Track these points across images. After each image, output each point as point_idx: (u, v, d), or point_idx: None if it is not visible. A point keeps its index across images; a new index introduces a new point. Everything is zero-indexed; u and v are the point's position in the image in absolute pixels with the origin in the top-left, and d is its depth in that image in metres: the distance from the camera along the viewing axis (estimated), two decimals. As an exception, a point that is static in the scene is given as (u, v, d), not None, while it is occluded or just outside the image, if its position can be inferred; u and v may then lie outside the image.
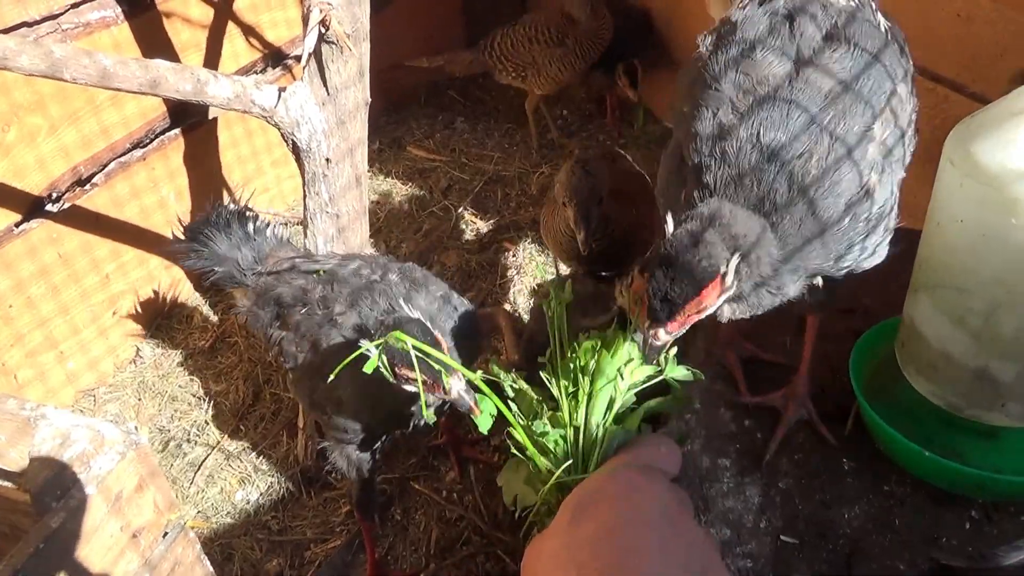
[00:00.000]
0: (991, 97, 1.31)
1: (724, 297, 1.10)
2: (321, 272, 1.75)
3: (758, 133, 1.12)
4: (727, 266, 1.05)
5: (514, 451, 1.10)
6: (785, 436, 1.42)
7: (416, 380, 1.28)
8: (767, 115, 1.13)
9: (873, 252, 1.23)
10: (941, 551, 1.20)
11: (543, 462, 1.04)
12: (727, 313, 1.19)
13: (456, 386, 1.30)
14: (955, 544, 1.21)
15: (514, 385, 1.14)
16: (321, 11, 1.70)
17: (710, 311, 1.11)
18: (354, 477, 1.75)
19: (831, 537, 1.26)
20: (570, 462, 1.03)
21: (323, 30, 1.74)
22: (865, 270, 1.28)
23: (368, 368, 1.22)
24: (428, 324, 1.38)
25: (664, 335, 1.09)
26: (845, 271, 1.24)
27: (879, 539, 1.24)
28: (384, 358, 1.29)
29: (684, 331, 1.12)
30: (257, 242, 1.89)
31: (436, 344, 1.34)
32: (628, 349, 1.11)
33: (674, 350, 1.13)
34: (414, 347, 1.22)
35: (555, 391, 1.11)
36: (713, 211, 1.10)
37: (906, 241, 1.37)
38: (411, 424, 1.64)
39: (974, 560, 1.18)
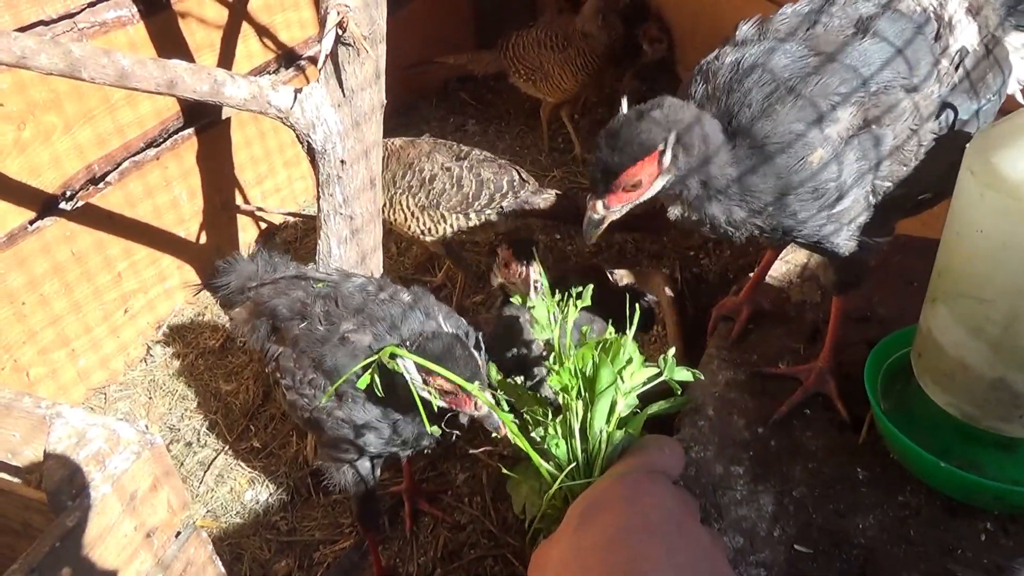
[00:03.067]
0: (1009, 108, 1.31)
1: (662, 181, 1.19)
2: (323, 284, 1.71)
3: (742, 57, 1.22)
4: (665, 144, 1.14)
5: (508, 470, 1.11)
6: (799, 442, 1.42)
7: (451, 393, 1.31)
8: (752, 51, 1.22)
9: (821, 236, 1.29)
10: (957, 563, 1.20)
11: (546, 468, 1.04)
12: (676, 213, 1.27)
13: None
14: (971, 556, 1.21)
15: (509, 398, 1.14)
16: (339, 13, 1.70)
17: (647, 195, 1.20)
18: (353, 493, 1.73)
19: (845, 547, 1.25)
20: (573, 466, 1.03)
21: (340, 32, 1.74)
22: (831, 252, 1.34)
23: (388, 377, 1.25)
24: (466, 340, 1.39)
25: (602, 208, 1.20)
26: (794, 235, 1.29)
27: (894, 550, 1.23)
28: (412, 369, 1.32)
29: (623, 211, 1.22)
30: (269, 260, 1.90)
31: (476, 362, 1.35)
32: (628, 352, 1.12)
33: (672, 351, 1.13)
34: (429, 367, 1.22)
35: (559, 396, 1.11)
36: (663, 99, 1.19)
37: (921, 250, 1.37)
38: (418, 444, 1.62)
39: (990, 572, 1.18)
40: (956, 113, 1.27)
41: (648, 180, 1.18)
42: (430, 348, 1.36)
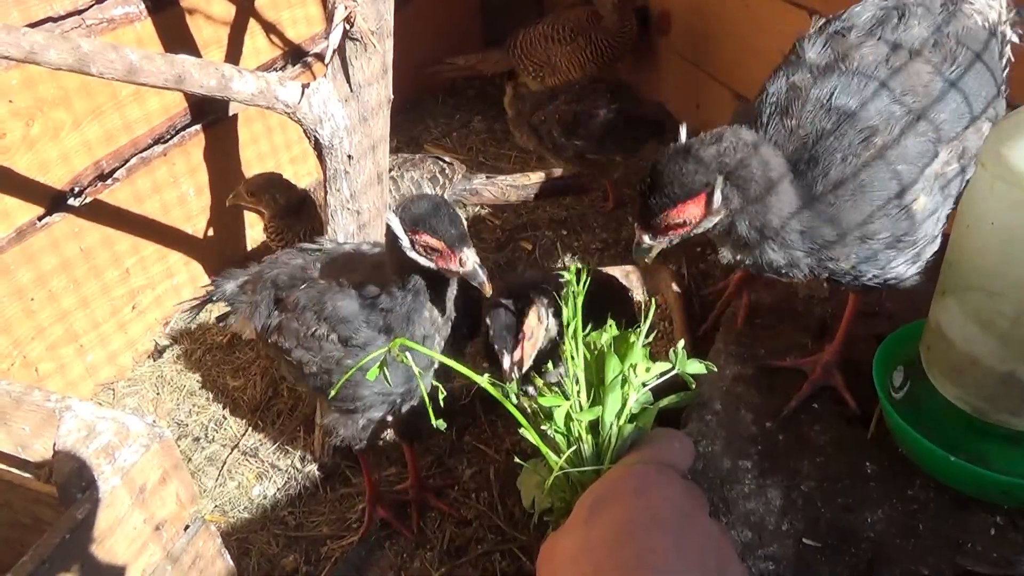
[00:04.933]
0: (1020, 101, 1.30)
1: (713, 220, 1.11)
2: (319, 251, 1.76)
3: (831, 95, 1.13)
4: (711, 187, 1.07)
5: (520, 459, 1.11)
6: (807, 437, 1.42)
7: (436, 250, 1.33)
8: (843, 83, 1.13)
9: (898, 276, 1.25)
10: (966, 557, 1.19)
11: (555, 460, 1.04)
12: (727, 255, 1.21)
13: (471, 258, 1.33)
14: (980, 550, 1.20)
15: (518, 391, 1.14)
16: (346, 8, 1.70)
17: (698, 230, 1.13)
18: (359, 444, 1.79)
19: (853, 541, 1.25)
20: (574, 449, 1.04)
21: (347, 27, 1.74)
22: (891, 286, 1.30)
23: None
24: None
25: (648, 239, 1.14)
26: (865, 279, 1.25)
27: (902, 544, 1.23)
28: (399, 230, 1.35)
29: (671, 242, 1.15)
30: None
31: (456, 217, 1.36)
32: (638, 347, 1.12)
33: (681, 343, 1.13)
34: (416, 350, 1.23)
35: (568, 389, 1.11)
36: (724, 131, 1.11)
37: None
38: (412, 398, 1.67)
39: (999, 566, 1.17)
40: None
41: (694, 220, 1.11)
42: (414, 208, 1.36)
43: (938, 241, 1.25)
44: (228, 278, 1.97)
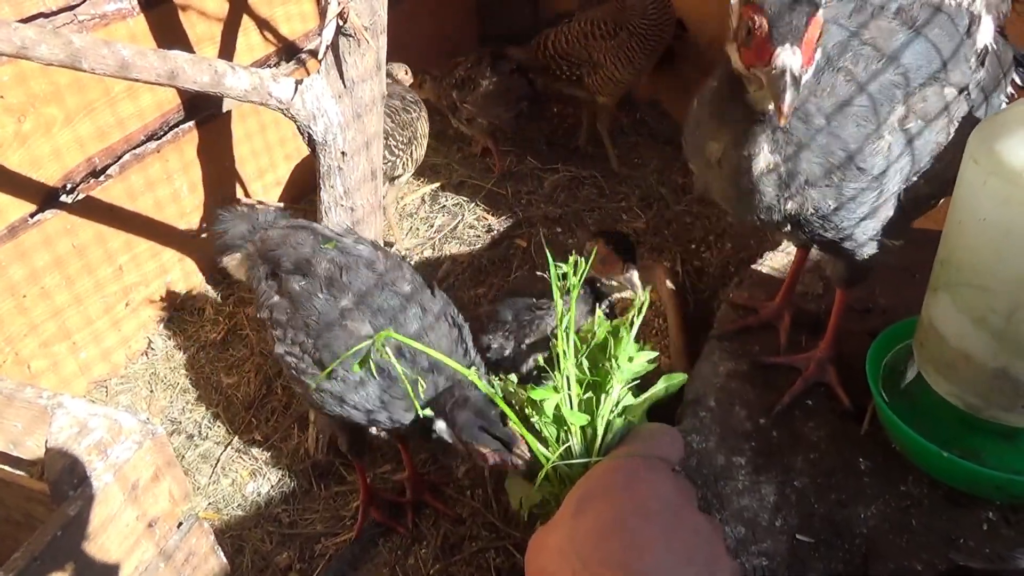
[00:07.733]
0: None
1: (818, 51, 1.07)
2: (332, 244, 1.70)
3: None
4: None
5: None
6: (801, 432, 1.42)
7: (487, 457, 1.36)
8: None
9: (855, 224, 1.26)
10: (958, 552, 1.20)
11: (544, 454, 1.05)
12: (760, 163, 1.18)
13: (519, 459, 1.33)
14: (972, 545, 1.21)
15: (511, 388, 1.15)
16: (340, 3, 1.70)
17: (812, 67, 1.07)
18: (346, 436, 1.83)
19: (847, 536, 1.25)
20: (566, 446, 1.04)
21: (341, 23, 1.74)
22: (850, 252, 1.32)
23: None
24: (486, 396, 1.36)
25: (799, 56, 1.02)
26: (829, 229, 1.26)
27: (896, 539, 1.24)
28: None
29: (807, 75, 1.06)
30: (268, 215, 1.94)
31: (502, 416, 1.34)
32: (630, 343, 1.13)
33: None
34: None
35: (559, 383, 1.11)
36: None
37: (923, 241, 1.37)
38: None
39: (991, 561, 1.18)
40: (985, 111, 1.27)
41: (815, 35, 1.05)
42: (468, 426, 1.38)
43: (891, 207, 1.27)
44: (238, 219, 1.92)
